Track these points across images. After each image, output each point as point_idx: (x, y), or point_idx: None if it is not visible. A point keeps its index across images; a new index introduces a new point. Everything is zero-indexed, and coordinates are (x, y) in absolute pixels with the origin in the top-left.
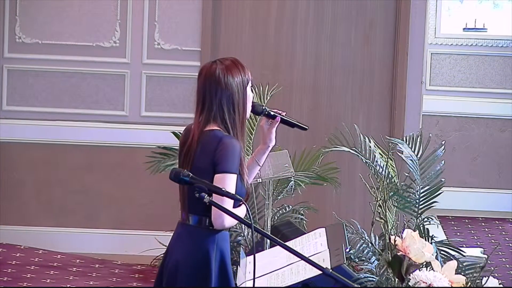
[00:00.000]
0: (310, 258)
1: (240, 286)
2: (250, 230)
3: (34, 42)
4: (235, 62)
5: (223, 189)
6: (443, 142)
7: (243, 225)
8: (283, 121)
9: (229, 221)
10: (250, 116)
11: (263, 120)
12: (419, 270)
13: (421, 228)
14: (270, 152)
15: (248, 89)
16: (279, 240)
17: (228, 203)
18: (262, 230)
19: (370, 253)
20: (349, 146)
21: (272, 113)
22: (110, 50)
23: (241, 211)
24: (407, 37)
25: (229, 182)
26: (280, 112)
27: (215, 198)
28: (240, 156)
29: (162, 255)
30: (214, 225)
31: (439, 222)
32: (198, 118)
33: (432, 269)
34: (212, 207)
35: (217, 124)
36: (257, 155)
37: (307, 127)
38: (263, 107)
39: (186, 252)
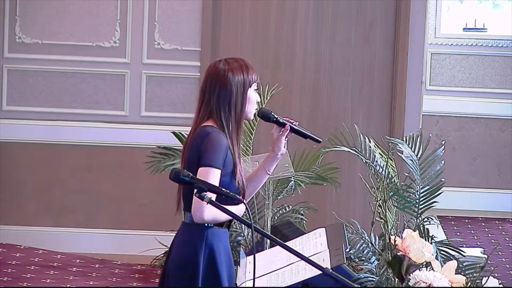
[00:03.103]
0: (310, 258)
1: (240, 286)
2: (250, 230)
3: (34, 42)
4: (240, 62)
5: (222, 189)
6: (443, 142)
7: (243, 225)
8: (294, 131)
9: (209, 215)
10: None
11: (274, 127)
12: (419, 270)
13: (421, 228)
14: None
15: (250, 91)
16: (279, 240)
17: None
18: (262, 230)
19: (370, 253)
20: (349, 146)
21: (281, 120)
22: (110, 50)
23: (236, 210)
24: (407, 37)
25: (211, 176)
26: (291, 120)
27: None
28: (227, 152)
29: (162, 255)
30: (194, 218)
31: (439, 222)
32: (197, 114)
33: (432, 269)
34: (193, 200)
35: (213, 121)
36: (265, 163)
37: (320, 140)
38: (271, 114)
39: (177, 249)
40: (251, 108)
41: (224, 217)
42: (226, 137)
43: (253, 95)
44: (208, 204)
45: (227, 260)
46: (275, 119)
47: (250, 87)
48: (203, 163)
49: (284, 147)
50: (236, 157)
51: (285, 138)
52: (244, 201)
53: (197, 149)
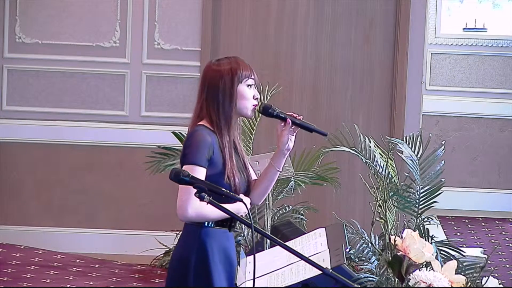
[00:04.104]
0: (310, 258)
1: (240, 286)
2: (250, 230)
3: (34, 42)
4: (231, 60)
5: (222, 188)
6: (443, 142)
7: (243, 225)
8: (297, 125)
9: (193, 213)
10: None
11: (278, 122)
12: (419, 270)
13: (421, 228)
14: (270, 152)
15: (241, 86)
16: (279, 240)
17: (190, 194)
18: (262, 230)
19: (370, 253)
20: (349, 146)
21: (282, 115)
22: (110, 50)
23: (230, 208)
24: (407, 37)
25: (194, 174)
26: (294, 115)
27: (181, 188)
28: (212, 150)
29: (162, 255)
30: (178, 215)
31: (439, 222)
32: (192, 115)
33: (432, 269)
34: (178, 198)
35: (205, 120)
36: (274, 160)
37: (326, 133)
38: (271, 108)
39: (175, 248)
40: (245, 104)
41: (212, 216)
42: (217, 136)
43: (245, 91)
44: (208, 204)
45: (223, 260)
46: (275, 113)
47: (241, 82)
48: (186, 161)
49: (290, 141)
50: (226, 155)
51: (291, 133)
52: (244, 200)
53: (183, 148)
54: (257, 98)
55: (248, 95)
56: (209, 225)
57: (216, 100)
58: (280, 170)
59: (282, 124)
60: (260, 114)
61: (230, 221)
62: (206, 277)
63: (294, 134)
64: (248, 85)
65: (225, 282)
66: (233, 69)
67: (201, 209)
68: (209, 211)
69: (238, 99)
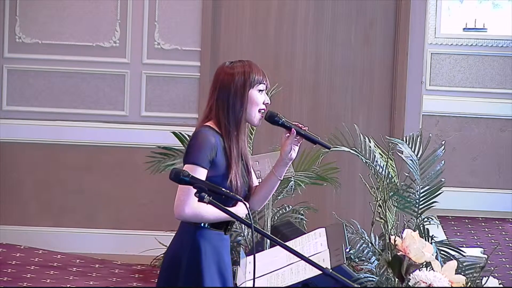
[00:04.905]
0: (310, 258)
1: (240, 286)
2: (250, 230)
3: (34, 42)
4: (244, 63)
5: (222, 189)
6: (443, 142)
7: (243, 225)
8: (301, 135)
9: (189, 213)
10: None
11: (284, 131)
12: (419, 270)
13: (421, 228)
14: (269, 152)
15: (252, 92)
16: (279, 240)
17: (188, 194)
18: (262, 230)
19: (370, 253)
20: (349, 146)
21: (287, 124)
22: (110, 50)
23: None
24: (407, 37)
25: (194, 174)
26: (300, 125)
27: (180, 187)
28: (216, 151)
29: (162, 255)
30: (174, 213)
31: (439, 222)
32: (202, 116)
33: (432, 269)
34: (177, 194)
35: (212, 122)
36: (275, 168)
37: (330, 146)
38: (277, 116)
39: (169, 246)
40: (254, 109)
41: (209, 217)
42: (222, 138)
43: (255, 96)
44: (208, 204)
45: (217, 262)
46: (280, 122)
47: (252, 88)
48: (187, 160)
49: (293, 151)
50: (232, 159)
51: (295, 143)
52: (244, 201)
53: (187, 147)
54: (267, 104)
55: (258, 101)
56: (205, 226)
57: (227, 103)
58: (281, 178)
59: (287, 133)
60: None
61: (226, 224)
62: (197, 277)
63: (298, 144)
64: (260, 90)
65: (218, 283)
66: (246, 73)
67: (199, 209)
68: (206, 212)
69: (249, 104)
